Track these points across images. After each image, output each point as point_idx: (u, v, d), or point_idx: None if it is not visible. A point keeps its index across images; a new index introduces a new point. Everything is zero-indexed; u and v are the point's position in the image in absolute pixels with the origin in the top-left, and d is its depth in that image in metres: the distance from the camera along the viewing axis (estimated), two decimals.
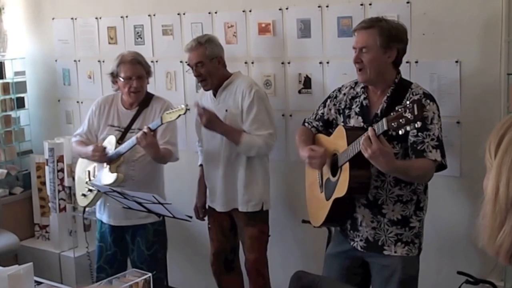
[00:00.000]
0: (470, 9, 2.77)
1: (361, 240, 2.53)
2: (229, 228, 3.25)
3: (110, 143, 3.21)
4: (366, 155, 2.20)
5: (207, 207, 3.32)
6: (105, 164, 3.20)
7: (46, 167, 4.15)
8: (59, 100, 4.39)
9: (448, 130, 2.83)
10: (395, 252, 2.48)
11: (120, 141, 3.18)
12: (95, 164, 3.27)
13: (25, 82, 4.50)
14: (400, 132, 2.11)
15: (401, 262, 2.48)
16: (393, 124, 2.11)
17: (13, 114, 4.44)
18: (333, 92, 2.68)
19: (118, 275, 2.71)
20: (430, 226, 2.97)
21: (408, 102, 2.08)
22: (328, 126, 2.66)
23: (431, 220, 2.96)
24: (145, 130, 2.98)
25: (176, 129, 3.25)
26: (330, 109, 2.64)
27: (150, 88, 3.84)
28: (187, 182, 3.55)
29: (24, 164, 4.52)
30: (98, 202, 3.33)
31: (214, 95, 3.13)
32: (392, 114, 2.13)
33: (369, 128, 2.20)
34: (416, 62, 2.93)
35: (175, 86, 3.80)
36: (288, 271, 2.58)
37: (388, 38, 2.42)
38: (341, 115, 2.60)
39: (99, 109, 3.31)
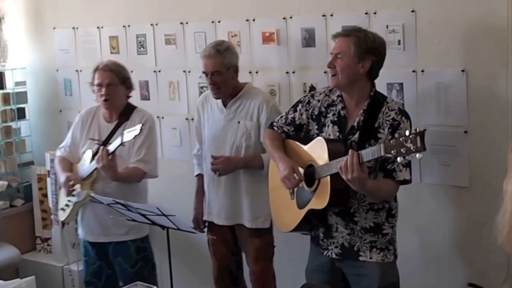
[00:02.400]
0: (476, 18, 2.75)
1: (336, 247, 2.53)
2: (233, 241, 3.17)
3: (87, 158, 3.18)
4: (344, 177, 2.25)
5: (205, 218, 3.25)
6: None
7: (48, 179, 4.11)
8: (60, 111, 4.36)
9: (456, 139, 2.81)
10: (371, 258, 2.49)
11: (96, 156, 3.12)
12: None
13: (26, 92, 4.47)
14: (399, 159, 2.13)
15: (378, 270, 2.48)
16: (392, 152, 2.13)
17: (13, 125, 4.41)
18: (305, 97, 2.68)
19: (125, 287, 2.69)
20: (439, 236, 2.95)
21: (408, 132, 2.10)
22: (298, 130, 2.67)
23: (441, 231, 2.95)
24: (101, 152, 2.95)
25: (153, 146, 3.19)
26: (301, 114, 2.63)
27: (152, 98, 3.86)
28: (188, 194, 3.51)
29: (25, 175, 4.48)
30: (79, 218, 3.30)
31: (224, 105, 3.08)
32: (391, 141, 2.15)
33: (354, 153, 2.23)
34: (422, 71, 2.91)
35: (178, 96, 3.77)
36: (295, 281, 2.55)
37: (363, 48, 2.44)
38: (315, 121, 2.60)
39: (81, 121, 3.29)
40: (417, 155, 2.06)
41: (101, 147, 3.00)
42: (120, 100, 3.20)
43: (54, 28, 4.30)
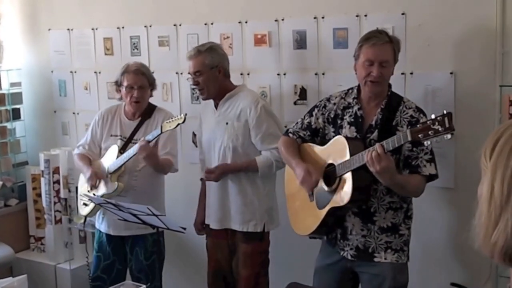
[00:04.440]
0: (465, 21, 2.78)
1: (351, 249, 2.55)
2: (228, 247, 3.12)
3: (112, 153, 3.24)
4: (372, 169, 2.25)
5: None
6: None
7: (42, 179, 4.13)
8: (55, 111, 4.38)
9: (443, 141, 2.82)
10: (385, 258, 2.51)
11: (122, 150, 3.21)
12: None
13: (21, 93, 4.49)
14: (426, 144, 2.18)
15: (391, 270, 2.50)
16: (419, 135, 2.15)
17: (8, 125, 4.43)
18: (321, 101, 2.70)
19: (112, 287, 2.72)
20: (424, 237, 2.97)
21: (433, 115, 2.13)
22: (314, 135, 2.68)
23: (425, 231, 2.97)
24: (142, 142, 3.00)
25: (176, 141, 3.29)
26: (317, 118, 2.66)
27: None
28: (181, 193, 3.54)
29: (19, 175, 4.50)
30: (99, 212, 3.34)
31: (216, 107, 3.09)
32: (417, 126, 2.18)
33: (378, 145, 2.25)
34: (411, 73, 2.94)
35: (171, 97, 3.80)
36: (286, 283, 2.57)
37: (397, 53, 2.52)
38: (331, 125, 2.62)
39: (102, 119, 3.35)
40: (446, 136, 2.09)
41: (141, 138, 3.06)
42: (147, 101, 3.29)
43: (49, 30, 4.32)
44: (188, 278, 3.85)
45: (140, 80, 3.21)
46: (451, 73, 2.83)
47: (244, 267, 3.07)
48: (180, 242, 3.72)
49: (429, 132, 2.11)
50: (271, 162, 2.96)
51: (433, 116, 2.13)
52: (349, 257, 2.56)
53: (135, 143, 3.16)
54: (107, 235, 3.33)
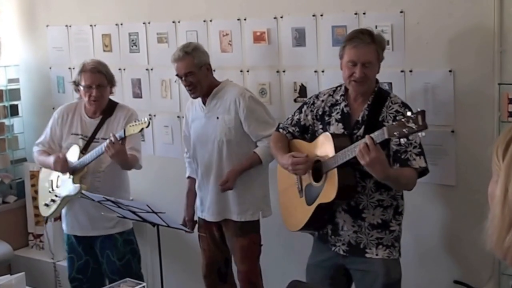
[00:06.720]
0: (463, 19, 2.78)
1: (343, 244, 2.57)
2: (220, 238, 3.21)
3: (73, 153, 3.20)
4: (363, 162, 2.26)
5: (196, 218, 3.29)
6: (68, 174, 3.19)
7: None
8: (53, 108, 4.34)
9: (443, 139, 2.84)
10: (377, 254, 2.52)
11: (84, 150, 3.18)
12: (58, 173, 3.26)
13: (19, 89, 4.49)
14: (402, 141, 2.21)
15: (383, 266, 2.52)
16: (395, 133, 2.17)
17: (6, 121, 4.43)
18: (310, 98, 2.74)
19: (112, 285, 2.72)
20: (426, 235, 2.99)
21: (409, 113, 2.15)
22: (304, 132, 2.71)
23: (427, 229, 2.98)
24: (112, 138, 2.97)
25: (139, 137, 3.26)
26: (306, 115, 2.68)
27: (144, 96, 3.88)
28: (178, 192, 3.54)
29: (17, 172, 4.50)
30: (63, 213, 3.33)
31: (204, 103, 3.13)
32: (393, 123, 2.20)
33: (367, 136, 2.27)
34: (411, 71, 2.94)
35: (170, 94, 3.80)
36: (283, 280, 2.58)
37: (382, 52, 2.53)
38: (319, 121, 2.64)
39: (62, 117, 3.32)
40: (420, 134, 2.12)
41: (111, 135, 3.02)
42: (107, 99, 3.26)
43: (47, 26, 4.31)
44: (188, 273, 3.86)
45: (98, 79, 3.18)
46: (450, 71, 2.84)
47: (242, 262, 3.15)
48: (180, 238, 3.73)
49: (404, 130, 2.14)
50: (270, 150, 3.00)
51: (409, 114, 2.15)
52: (341, 252, 2.57)
53: (97, 142, 3.15)
54: (75, 236, 3.31)
